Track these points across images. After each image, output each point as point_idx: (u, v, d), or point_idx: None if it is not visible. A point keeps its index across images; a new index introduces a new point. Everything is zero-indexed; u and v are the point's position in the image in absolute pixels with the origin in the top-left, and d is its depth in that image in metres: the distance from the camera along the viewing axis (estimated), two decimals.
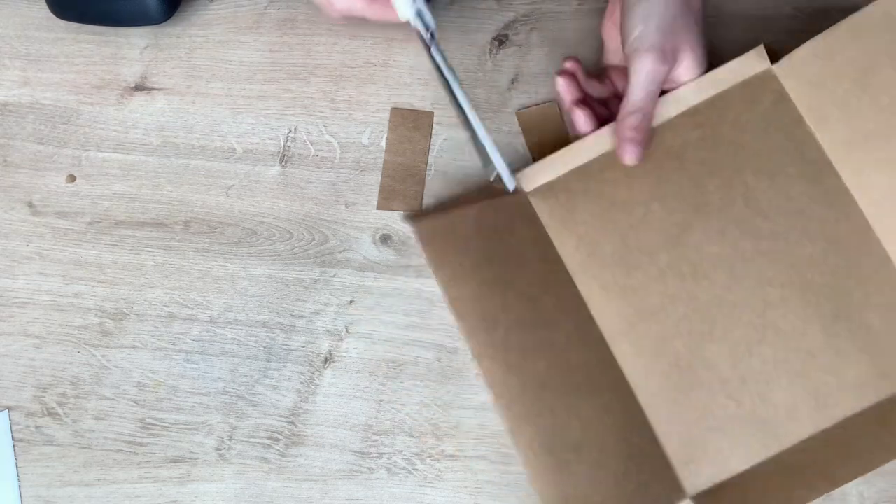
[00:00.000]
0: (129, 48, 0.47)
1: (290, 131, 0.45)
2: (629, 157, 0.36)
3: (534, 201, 0.39)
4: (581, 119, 0.38)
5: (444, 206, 0.41)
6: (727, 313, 0.36)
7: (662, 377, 0.36)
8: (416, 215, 0.40)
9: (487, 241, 0.39)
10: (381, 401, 0.40)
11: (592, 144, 0.39)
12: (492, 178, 0.38)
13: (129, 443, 0.39)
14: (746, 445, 0.35)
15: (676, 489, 0.35)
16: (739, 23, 0.43)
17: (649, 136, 0.37)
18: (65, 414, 0.40)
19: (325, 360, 0.40)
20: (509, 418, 0.35)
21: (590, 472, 0.34)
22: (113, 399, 0.40)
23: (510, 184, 0.38)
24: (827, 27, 0.36)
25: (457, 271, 0.37)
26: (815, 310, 0.36)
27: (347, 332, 0.41)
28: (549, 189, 0.39)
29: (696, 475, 0.35)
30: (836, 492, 0.37)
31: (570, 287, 0.38)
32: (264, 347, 0.41)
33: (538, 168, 0.40)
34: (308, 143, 0.45)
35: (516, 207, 0.39)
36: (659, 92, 0.37)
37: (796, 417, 0.35)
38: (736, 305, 0.36)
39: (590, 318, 0.38)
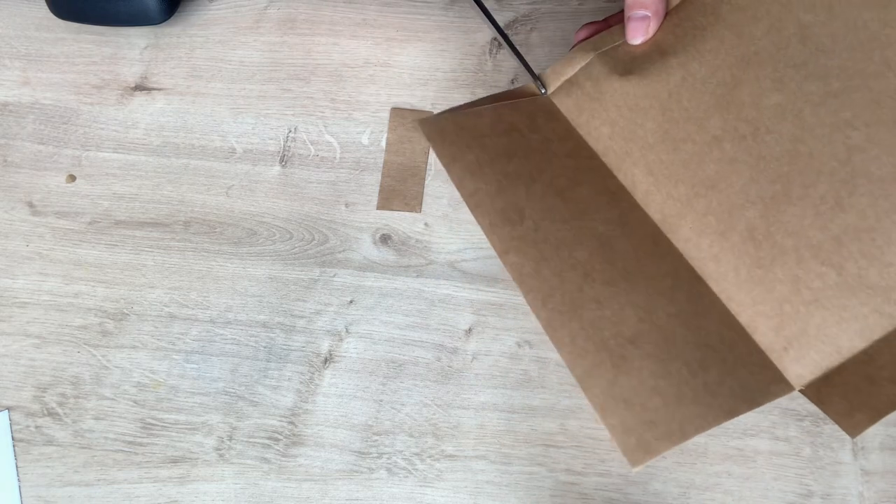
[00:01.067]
0: (129, 48, 0.47)
1: (290, 131, 0.45)
2: (633, 33, 0.33)
3: (556, 100, 0.35)
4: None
5: (455, 108, 0.36)
6: (803, 167, 0.30)
7: (735, 256, 0.30)
8: (425, 118, 0.36)
9: (506, 137, 0.34)
10: (381, 401, 0.40)
11: (608, 35, 0.35)
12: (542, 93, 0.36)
13: (129, 443, 0.39)
14: (858, 318, 0.28)
15: (777, 380, 0.29)
16: None
17: (661, 11, 0.34)
18: (65, 414, 0.40)
19: (325, 360, 0.40)
20: (545, 314, 0.29)
21: (655, 366, 0.28)
22: (113, 399, 0.40)
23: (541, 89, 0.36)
24: None
25: (472, 165, 0.32)
26: None
27: (347, 332, 0.41)
28: (570, 84, 0.35)
29: (800, 363, 0.29)
30: (836, 492, 0.37)
31: (609, 178, 0.33)
32: (264, 347, 0.41)
33: (557, 67, 0.36)
34: (308, 143, 0.45)
35: (537, 107, 0.35)
36: None
37: None
38: (812, 156, 0.30)
39: (636, 206, 0.32)
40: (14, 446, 0.39)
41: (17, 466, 0.39)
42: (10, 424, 0.40)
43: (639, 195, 0.33)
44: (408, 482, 0.38)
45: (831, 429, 0.38)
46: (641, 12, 0.33)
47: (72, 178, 0.44)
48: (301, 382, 0.40)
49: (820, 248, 0.29)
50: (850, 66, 0.30)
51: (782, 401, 0.38)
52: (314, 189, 0.44)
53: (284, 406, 0.40)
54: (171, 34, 0.47)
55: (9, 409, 0.40)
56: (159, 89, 0.46)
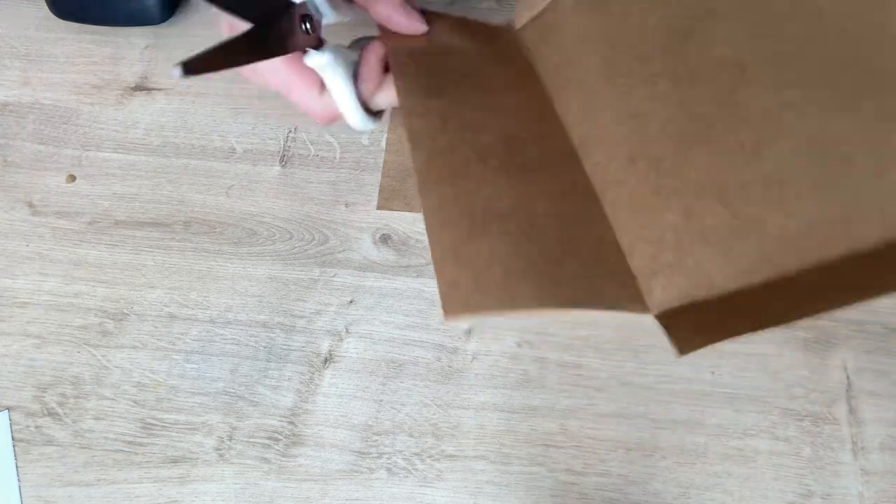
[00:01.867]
0: (129, 48, 0.47)
1: (290, 131, 0.45)
2: None
3: (522, 34, 0.36)
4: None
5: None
6: (729, 115, 0.29)
7: (636, 181, 0.30)
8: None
9: (457, 37, 0.34)
10: (381, 401, 0.40)
11: None
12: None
13: (129, 443, 0.39)
14: (741, 261, 0.27)
15: (635, 299, 0.28)
16: None
17: None
18: (65, 414, 0.40)
19: (325, 360, 0.40)
20: (423, 174, 0.27)
21: (510, 243, 0.27)
22: (113, 399, 0.40)
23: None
24: None
25: (413, 51, 0.32)
26: (853, 114, 0.27)
27: (347, 332, 0.41)
28: (537, 18, 0.36)
29: (665, 289, 0.28)
30: (836, 492, 0.37)
31: (546, 105, 0.33)
32: (264, 347, 0.41)
33: (528, 1, 0.36)
34: (308, 143, 0.45)
35: (500, 31, 0.36)
36: None
37: (822, 233, 0.26)
38: (740, 106, 0.29)
39: (561, 130, 0.32)
40: (14, 446, 0.39)
41: (17, 466, 0.39)
42: (10, 424, 0.40)
43: (567, 120, 0.33)
44: (408, 482, 0.38)
45: (831, 429, 0.38)
46: None
47: (72, 178, 0.44)
48: (301, 382, 0.40)
49: (724, 190, 0.28)
50: (806, 32, 0.29)
51: (782, 401, 0.38)
52: (314, 189, 0.44)
53: (284, 406, 0.40)
54: (171, 34, 0.47)
55: (9, 409, 0.40)
56: (159, 89, 0.46)
